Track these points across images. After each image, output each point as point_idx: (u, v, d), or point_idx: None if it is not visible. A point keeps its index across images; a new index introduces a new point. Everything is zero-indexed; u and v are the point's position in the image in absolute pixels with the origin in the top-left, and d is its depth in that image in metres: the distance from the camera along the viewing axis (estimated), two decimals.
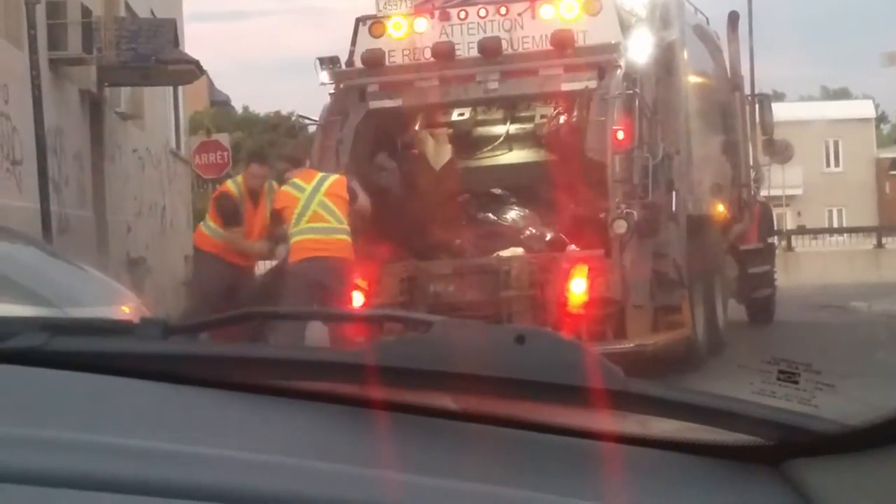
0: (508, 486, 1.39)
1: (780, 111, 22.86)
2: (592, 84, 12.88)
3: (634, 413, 1.58)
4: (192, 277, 13.83)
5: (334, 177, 12.09)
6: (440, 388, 1.57)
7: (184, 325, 1.82)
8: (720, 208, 16.06)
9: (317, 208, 11.78)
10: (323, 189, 11.89)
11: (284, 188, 12.14)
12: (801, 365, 1.68)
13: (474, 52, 13.20)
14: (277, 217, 12.13)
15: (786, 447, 1.52)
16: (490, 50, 13.10)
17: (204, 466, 1.28)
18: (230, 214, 12.88)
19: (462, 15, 13.48)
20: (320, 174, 12.15)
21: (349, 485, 1.30)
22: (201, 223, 14.03)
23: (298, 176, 12.18)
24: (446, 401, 1.60)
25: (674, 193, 12.85)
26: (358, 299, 12.33)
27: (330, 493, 1.28)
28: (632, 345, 11.92)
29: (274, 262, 13.44)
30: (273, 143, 43.12)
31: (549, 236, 13.49)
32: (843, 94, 79.75)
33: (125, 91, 20.75)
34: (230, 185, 13.51)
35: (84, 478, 1.23)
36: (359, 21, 13.80)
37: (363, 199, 12.25)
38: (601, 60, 12.87)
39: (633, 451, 1.56)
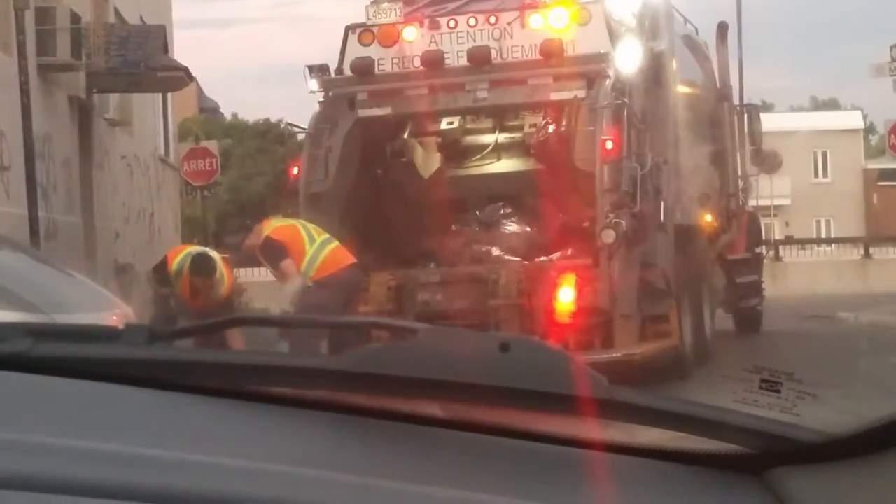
0: (492, 494, 1.39)
1: (768, 121, 22.93)
2: (581, 94, 12.91)
3: (618, 421, 1.58)
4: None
5: None
6: (425, 395, 1.57)
7: (169, 331, 1.82)
8: (708, 218, 16.09)
9: (313, 225, 11.93)
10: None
11: (278, 223, 12.07)
12: (783, 374, 1.68)
13: (463, 61, 13.23)
14: (281, 251, 11.66)
15: (768, 456, 1.52)
16: (479, 59, 13.12)
17: (189, 472, 1.28)
18: (159, 283, 12.70)
19: (451, 24, 13.51)
20: None
21: (333, 491, 1.30)
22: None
23: (270, 220, 12.26)
24: (431, 408, 1.60)
25: (662, 203, 12.87)
26: None
27: (314, 499, 1.28)
28: (619, 354, 11.93)
29: None
30: (262, 150, 43.07)
31: (537, 245, 13.50)
32: (832, 104, 79.84)
33: (114, 97, 20.71)
34: (174, 264, 12.40)
35: (69, 483, 1.23)
36: (348, 29, 13.82)
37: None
38: (590, 70, 12.91)
39: (617, 459, 1.56)
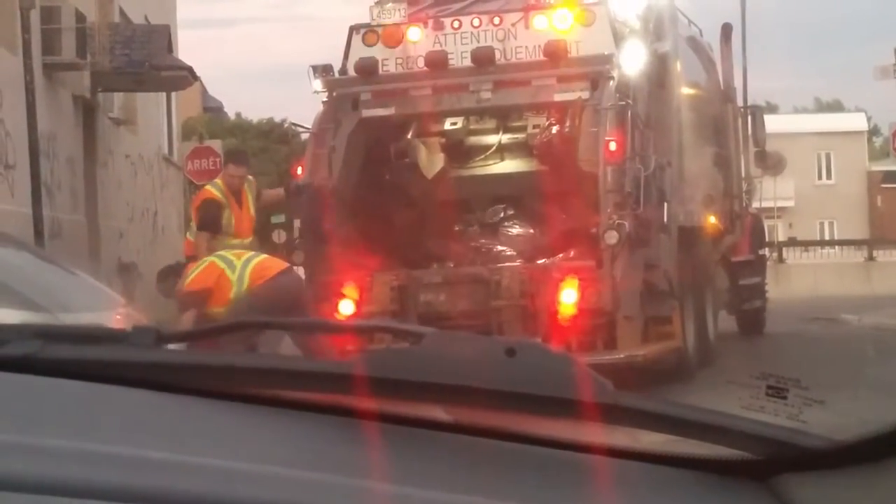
0: (497, 499, 1.39)
1: (772, 123, 22.95)
2: (585, 95, 12.89)
3: (623, 426, 1.58)
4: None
5: None
6: (430, 399, 1.57)
7: (176, 334, 1.82)
8: (712, 220, 16.08)
9: (230, 251, 11.93)
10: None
11: (194, 273, 11.64)
12: (789, 380, 1.68)
13: (467, 62, 13.22)
14: (193, 304, 11.41)
15: (774, 462, 1.52)
16: (483, 59, 13.11)
17: (194, 475, 1.28)
18: (218, 221, 12.88)
19: (456, 24, 13.51)
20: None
21: (338, 495, 1.30)
22: (188, 233, 14.06)
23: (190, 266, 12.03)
24: (436, 412, 1.60)
25: (665, 205, 12.86)
26: (348, 308, 12.32)
27: (318, 502, 1.28)
28: (622, 356, 11.92)
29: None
30: (265, 149, 43.03)
31: (539, 246, 13.49)
32: (836, 106, 79.81)
33: (118, 96, 20.76)
34: (213, 190, 13.40)
35: (75, 485, 1.23)
36: (353, 29, 13.82)
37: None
38: (594, 71, 12.89)
39: (622, 464, 1.56)
